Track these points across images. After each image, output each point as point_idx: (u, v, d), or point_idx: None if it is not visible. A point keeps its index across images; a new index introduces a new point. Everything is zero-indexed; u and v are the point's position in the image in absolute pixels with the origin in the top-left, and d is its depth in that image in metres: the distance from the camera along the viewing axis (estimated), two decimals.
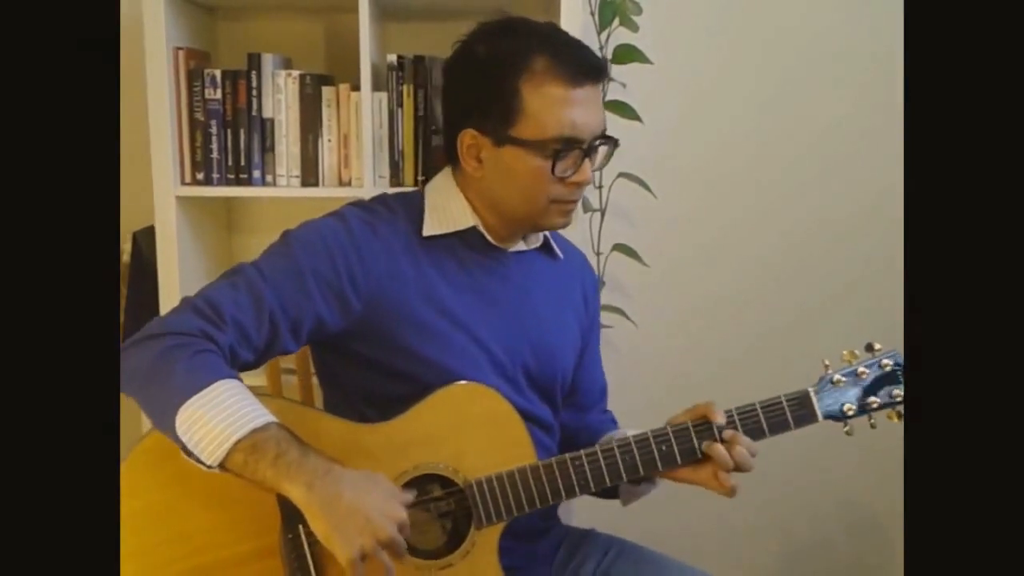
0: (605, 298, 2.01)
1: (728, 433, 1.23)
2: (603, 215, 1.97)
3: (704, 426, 1.23)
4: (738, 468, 1.22)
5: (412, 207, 1.32)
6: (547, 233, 1.39)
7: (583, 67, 1.23)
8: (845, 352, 1.28)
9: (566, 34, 1.29)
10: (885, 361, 1.27)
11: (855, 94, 2.09)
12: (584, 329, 1.44)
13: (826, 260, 2.15)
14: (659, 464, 1.24)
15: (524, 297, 1.34)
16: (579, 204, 1.32)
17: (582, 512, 1.86)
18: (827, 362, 1.28)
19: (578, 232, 1.80)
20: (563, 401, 1.42)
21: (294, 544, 1.16)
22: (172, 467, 1.14)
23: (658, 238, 2.10)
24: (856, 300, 2.12)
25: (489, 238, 1.31)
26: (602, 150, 1.30)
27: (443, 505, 1.23)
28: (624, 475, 1.24)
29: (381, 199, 1.34)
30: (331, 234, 1.24)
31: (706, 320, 2.17)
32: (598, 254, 1.98)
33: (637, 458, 1.23)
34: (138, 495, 1.15)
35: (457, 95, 1.31)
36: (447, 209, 1.31)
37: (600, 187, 1.95)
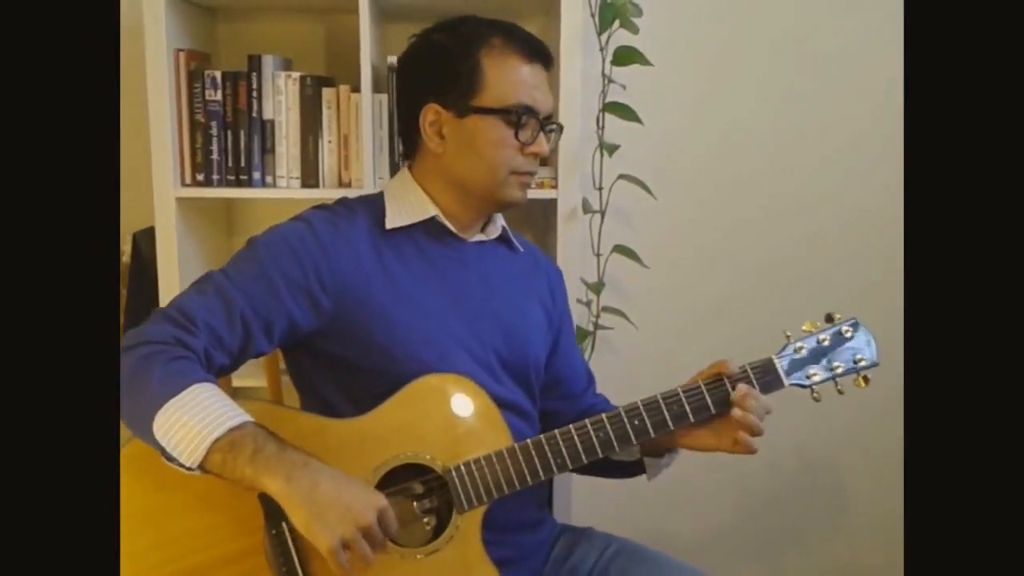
0: (605, 300, 2.01)
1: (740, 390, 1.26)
2: (603, 216, 1.97)
3: (672, 396, 1.27)
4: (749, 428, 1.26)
5: (373, 206, 1.35)
6: (505, 226, 1.43)
7: (534, 47, 1.32)
8: (805, 324, 1.32)
9: (517, 25, 1.35)
10: (845, 328, 1.31)
11: (855, 96, 2.09)
12: (555, 322, 1.47)
13: (826, 260, 2.15)
14: (633, 437, 1.27)
15: (487, 284, 1.37)
16: (533, 180, 1.37)
17: (580, 510, 1.86)
18: (788, 333, 1.31)
19: (578, 233, 1.81)
20: (549, 393, 1.45)
21: (278, 540, 1.17)
22: (156, 472, 1.15)
23: (658, 240, 2.10)
24: (857, 301, 2.11)
25: (450, 226, 1.34)
26: (552, 136, 1.36)
27: (427, 502, 1.25)
28: (599, 450, 1.26)
29: (342, 201, 1.38)
30: (296, 237, 1.27)
31: (707, 322, 2.17)
32: (598, 255, 1.98)
33: (610, 432, 1.26)
34: (123, 500, 1.15)
35: (417, 78, 1.35)
36: (407, 202, 1.34)
37: (600, 189, 1.96)
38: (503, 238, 1.43)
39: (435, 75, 1.31)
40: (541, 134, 1.31)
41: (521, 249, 1.45)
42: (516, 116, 1.28)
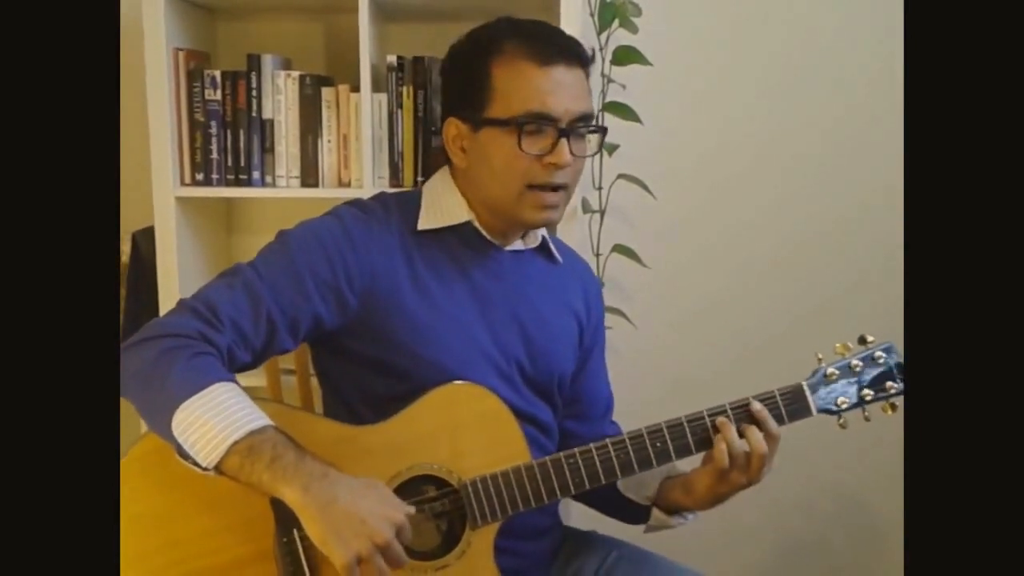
0: (604, 299, 2.01)
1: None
2: (602, 216, 1.96)
3: (697, 419, 1.24)
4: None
5: (409, 204, 1.32)
6: (545, 235, 1.39)
7: (553, 47, 1.24)
8: (838, 345, 1.28)
9: (547, 24, 1.30)
10: (878, 354, 1.27)
11: (855, 95, 2.09)
12: (586, 337, 1.43)
13: (826, 261, 2.14)
14: (654, 460, 1.24)
15: (519, 295, 1.34)
16: (563, 202, 1.29)
17: (583, 513, 1.85)
18: (820, 355, 1.28)
19: (577, 233, 1.80)
20: (568, 410, 1.42)
21: (289, 548, 1.16)
22: (166, 472, 1.14)
23: (658, 239, 2.10)
24: (856, 301, 2.12)
25: (485, 233, 1.31)
26: (593, 138, 1.30)
27: (438, 506, 1.23)
28: (619, 472, 1.24)
29: (379, 197, 1.35)
30: (327, 233, 1.25)
31: (706, 321, 2.16)
32: (597, 255, 1.98)
33: (631, 454, 1.24)
34: (132, 501, 1.14)
35: (443, 91, 1.34)
36: (443, 204, 1.31)
37: (600, 188, 1.95)
38: (543, 247, 1.39)
39: (454, 88, 1.30)
40: (563, 142, 1.22)
41: (560, 260, 1.41)
42: (519, 126, 1.21)
